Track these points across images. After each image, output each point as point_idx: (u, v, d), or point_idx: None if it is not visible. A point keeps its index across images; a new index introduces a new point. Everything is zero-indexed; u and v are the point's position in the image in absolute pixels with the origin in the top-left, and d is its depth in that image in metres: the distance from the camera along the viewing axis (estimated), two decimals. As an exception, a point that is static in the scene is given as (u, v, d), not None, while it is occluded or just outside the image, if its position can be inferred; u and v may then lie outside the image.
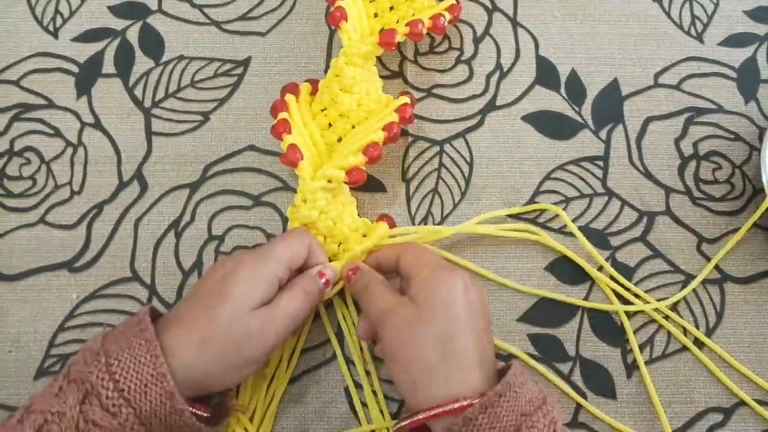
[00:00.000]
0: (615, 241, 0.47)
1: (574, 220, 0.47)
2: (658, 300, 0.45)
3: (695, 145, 0.49)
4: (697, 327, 0.45)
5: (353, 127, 0.46)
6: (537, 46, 0.51)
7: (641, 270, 0.46)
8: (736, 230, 0.46)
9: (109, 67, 0.50)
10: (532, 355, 0.44)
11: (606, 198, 0.48)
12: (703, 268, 0.46)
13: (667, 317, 0.45)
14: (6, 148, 0.48)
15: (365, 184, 0.45)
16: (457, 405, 0.34)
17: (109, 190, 0.47)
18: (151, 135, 0.49)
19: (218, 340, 0.36)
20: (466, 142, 0.49)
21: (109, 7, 0.52)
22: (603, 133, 0.49)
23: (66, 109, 0.49)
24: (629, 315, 0.45)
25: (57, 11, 0.52)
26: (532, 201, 0.47)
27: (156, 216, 0.47)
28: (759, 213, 0.45)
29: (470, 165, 0.48)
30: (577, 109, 0.50)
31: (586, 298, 0.45)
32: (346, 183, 0.44)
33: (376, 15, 0.50)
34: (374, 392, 0.43)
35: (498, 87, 0.50)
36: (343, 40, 0.47)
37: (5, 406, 0.42)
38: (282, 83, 0.49)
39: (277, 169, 0.48)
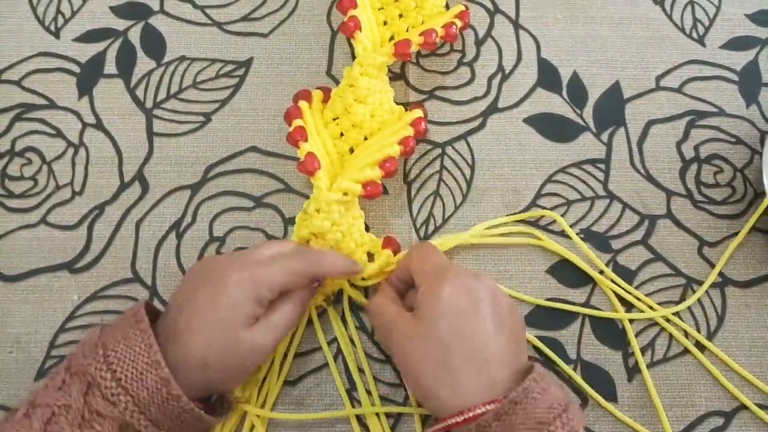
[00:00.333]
0: (616, 245, 0.47)
1: (575, 223, 0.47)
2: (660, 303, 0.45)
3: (696, 148, 0.49)
4: (699, 330, 0.45)
5: (365, 137, 0.46)
6: (539, 48, 0.51)
7: (642, 273, 0.46)
8: (737, 234, 0.46)
9: (110, 67, 0.50)
10: (532, 358, 0.44)
11: (607, 201, 0.48)
12: (704, 271, 0.46)
13: (668, 320, 0.45)
14: (7, 148, 0.48)
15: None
16: (470, 414, 0.34)
17: (110, 190, 0.47)
18: (152, 136, 0.49)
19: (219, 363, 0.36)
20: (468, 145, 0.49)
21: (110, 8, 0.52)
22: (604, 136, 0.49)
23: (67, 109, 0.49)
24: (631, 319, 0.45)
25: (59, 11, 0.52)
26: (533, 204, 0.47)
27: (157, 217, 0.47)
28: (756, 216, 0.45)
29: (472, 167, 0.48)
30: (578, 111, 0.50)
31: (587, 301, 0.45)
32: (361, 196, 0.44)
33: (385, 23, 0.50)
34: (369, 392, 0.43)
35: (500, 89, 0.50)
36: (358, 50, 0.46)
37: (5, 407, 0.42)
38: (284, 84, 0.49)
39: (278, 170, 0.48)
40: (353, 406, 0.42)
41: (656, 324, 0.45)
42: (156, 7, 0.52)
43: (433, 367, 0.36)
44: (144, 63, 0.50)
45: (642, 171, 0.48)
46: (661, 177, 0.48)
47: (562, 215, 0.47)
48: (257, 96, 0.50)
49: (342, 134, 0.47)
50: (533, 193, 0.48)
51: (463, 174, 0.48)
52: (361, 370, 0.43)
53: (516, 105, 0.50)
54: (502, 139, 0.49)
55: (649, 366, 0.44)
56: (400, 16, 0.50)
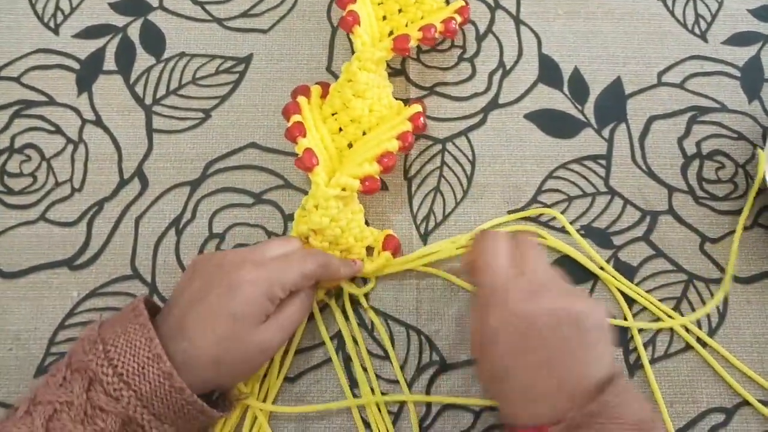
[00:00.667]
0: (618, 240, 0.46)
1: (576, 219, 0.47)
2: (661, 300, 0.45)
3: (698, 144, 0.49)
4: (700, 327, 0.44)
5: (364, 132, 0.46)
6: (540, 44, 0.51)
7: (644, 269, 0.46)
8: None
9: (110, 63, 0.50)
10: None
11: (609, 197, 0.47)
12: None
13: (670, 317, 0.44)
14: (6, 144, 0.48)
15: (367, 183, 0.45)
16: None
17: (109, 187, 0.47)
18: (152, 132, 0.48)
19: (231, 360, 0.37)
20: (469, 141, 0.49)
21: (110, 4, 0.52)
22: (606, 132, 0.49)
23: (67, 106, 0.49)
24: (632, 312, 0.44)
25: (58, 8, 0.52)
26: (534, 200, 0.47)
27: (157, 213, 0.47)
28: (749, 204, 0.45)
29: (472, 163, 0.48)
30: (579, 107, 0.50)
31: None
32: (359, 192, 0.44)
33: (384, 18, 0.49)
34: (372, 390, 0.43)
35: (501, 85, 0.50)
36: (357, 45, 0.46)
37: (5, 404, 0.42)
38: (284, 80, 0.49)
39: (278, 166, 0.48)
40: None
41: (658, 320, 0.44)
42: (155, 3, 0.52)
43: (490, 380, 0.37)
44: (143, 59, 0.50)
45: (643, 167, 0.48)
46: (663, 173, 0.48)
47: (563, 211, 0.47)
48: (257, 92, 0.50)
49: (341, 129, 0.46)
50: (534, 190, 0.48)
51: (464, 170, 0.48)
52: (364, 369, 0.43)
53: (517, 101, 0.50)
54: (503, 135, 0.49)
55: (651, 362, 0.44)
56: (400, 11, 0.50)
